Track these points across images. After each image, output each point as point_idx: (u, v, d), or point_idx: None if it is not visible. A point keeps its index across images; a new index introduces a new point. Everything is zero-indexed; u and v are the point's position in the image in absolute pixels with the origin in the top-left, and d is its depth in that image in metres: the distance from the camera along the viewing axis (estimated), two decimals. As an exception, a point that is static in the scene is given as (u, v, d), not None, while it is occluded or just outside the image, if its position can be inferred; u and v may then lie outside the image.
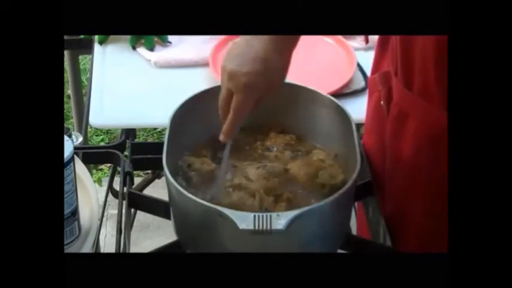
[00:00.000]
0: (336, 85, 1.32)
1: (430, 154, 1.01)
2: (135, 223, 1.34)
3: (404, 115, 1.03)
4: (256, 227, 0.89)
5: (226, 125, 1.01)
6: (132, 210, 1.18)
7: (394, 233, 1.06)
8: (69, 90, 1.96)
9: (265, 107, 1.10)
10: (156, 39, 1.46)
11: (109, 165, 2.00)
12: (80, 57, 2.09)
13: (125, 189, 1.13)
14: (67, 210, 0.97)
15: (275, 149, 1.11)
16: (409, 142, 1.03)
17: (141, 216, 1.35)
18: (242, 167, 1.07)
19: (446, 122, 0.95)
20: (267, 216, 0.89)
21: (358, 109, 1.22)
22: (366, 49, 1.45)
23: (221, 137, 1.03)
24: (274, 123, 1.14)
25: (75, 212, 0.99)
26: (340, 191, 0.96)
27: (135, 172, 1.19)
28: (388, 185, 1.10)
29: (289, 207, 0.99)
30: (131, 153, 1.22)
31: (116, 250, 1.06)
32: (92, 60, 1.46)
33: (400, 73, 1.03)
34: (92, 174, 1.46)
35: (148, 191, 1.58)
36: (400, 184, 1.08)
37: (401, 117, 1.04)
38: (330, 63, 1.42)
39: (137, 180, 1.61)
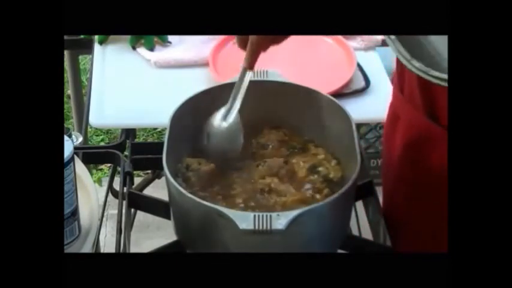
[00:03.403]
0: (336, 85, 1.32)
1: (414, 158, 1.04)
2: (135, 223, 1.34)
3: (396, 117, 1.06)
4: (256, 227, 0.89)
5: (247, 53, 1.00)
6: (132, 210, 1.18)
7: (389, 232, 1.08)
8: (69, 90, 1.96)
9: (264, 107, 1.11)
10: (156, 39, 1.46)
11: (109, 165, 2.00)
12: (80, 57, 2.09)
13: (125, 189, 1.13)
14: (67, 210, 0.97)
15: (270, 146, 1.11)
16: (398, 144, 1.05)
17: (141, 216, 1.35)
18: (242, 167, 1.07)
19: (429, 130, 0.97)
20: (267, 216, 0.89)
21: (358, 109, 1.22)
22: (366, 49, 1.46)
23: (244, 64, 1.01)
24: (273, 123, 1.14)
25: (75, 212, 0.99)
26: (340, 191, 0.96)
27: (135, 172, 1.19)
28: (383, 183, 1.12)
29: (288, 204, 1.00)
30: (131, 153, 1.22)
31: (116, 250, 1.06)
32: (92, 60, 1.46)
33: (396, 76, 1.05)
34: (92, 174, 1.46)
35: (148, 191, 1.58)
36: (390, 184, 1.11)
37: (394, 118, 1.07)
38: (330, 63, 1.42)
39: (137, 180, 1.61)
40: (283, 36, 1.00)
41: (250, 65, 1.01)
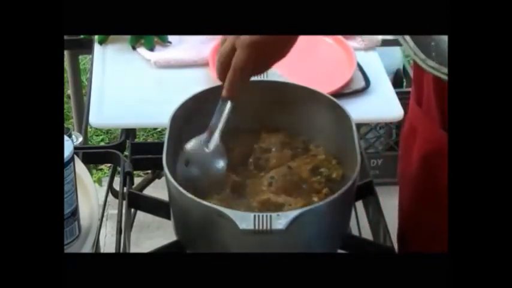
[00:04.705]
0: (336, 85, 1.32)
1: (431, 170, 1.03)
2: (135, 223, 1.34)
3: (413, 130, 1.07)
4: (256, 227, 0.89)
5: (226, 82, 0.98)
6: (132, 210, 1.18)
7: (404, 242, 1.08)
8: (69, 90, 1.96)
9: (264, 107, 1.10)
10: (156, 39, 1.46)
11: (109, 165, 2.00)
12: (80, 57, 2.09)
13: (125, 189, 1.13)
14: (67, 210, 0.97)
15: (273, 149, 1.11)
16: (415, 156, 1.05)
17: (141, 216, 1.35)
18: (247, 177, 1.06)
19: (445, 142, 0.98)
20: (267, 216, 0.89)
21: (358, 109, 1.22)
22: (366, 49, 1.46)
23: (224, 93, 0.99)
24: (272, 123, 1.14)
25: (75, 212, 0.99)
26: (340, 191, 0.96)
27: (135, 172, 1.19)
28: (399, 194, 1.12)
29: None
30: (131, 153, 1.22)
31: (116, 250, 1.06)
32: (92, 60, 1.46)
33: (414, 89, 1.06)
34: (92, 174, 1.46)
35: (148, 191, 1.59)
36: (405, 195, 1.12)
37: (411, 131, 1.07)
38: (330, 63, 1.42)
39: (137, 180, 1.61)
40: (266, 68, 1.00)
41: (230, 93, 0.98)
